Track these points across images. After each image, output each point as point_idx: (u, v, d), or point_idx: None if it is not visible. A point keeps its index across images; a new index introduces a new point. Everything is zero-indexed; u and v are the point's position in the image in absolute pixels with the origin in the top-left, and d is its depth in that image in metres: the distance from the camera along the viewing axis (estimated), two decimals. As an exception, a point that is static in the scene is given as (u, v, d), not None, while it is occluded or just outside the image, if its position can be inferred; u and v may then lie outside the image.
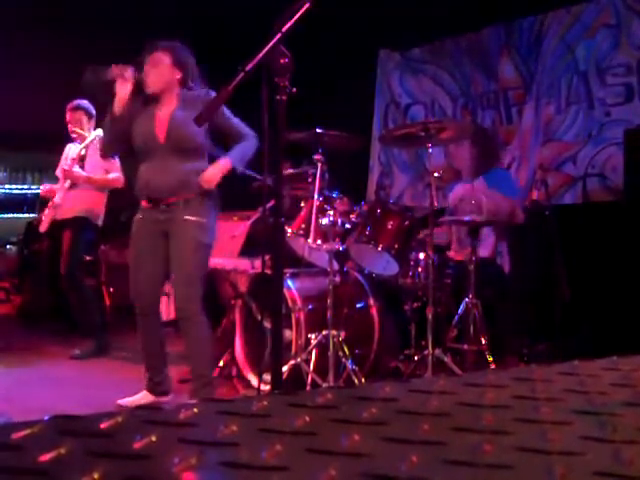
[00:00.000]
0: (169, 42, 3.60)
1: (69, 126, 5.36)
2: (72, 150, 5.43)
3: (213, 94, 3.46)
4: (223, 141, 3.62)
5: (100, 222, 5.41)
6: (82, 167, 5.23)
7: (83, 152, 5.17)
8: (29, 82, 7.00)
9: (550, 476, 0.63)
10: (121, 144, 3.68)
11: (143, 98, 3.60)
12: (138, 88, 3.56)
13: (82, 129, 5.31)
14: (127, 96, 3.53)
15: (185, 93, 3.58)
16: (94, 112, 5.35)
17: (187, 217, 3.48)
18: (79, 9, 6.49)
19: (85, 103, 5.34)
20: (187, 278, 3.50)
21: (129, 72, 3.52)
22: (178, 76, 3.56)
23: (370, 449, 0.70)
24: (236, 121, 3.60)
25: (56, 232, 5.38)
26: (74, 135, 5.37)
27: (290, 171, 4.17)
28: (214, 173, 3.48)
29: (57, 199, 5.28)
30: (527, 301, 4.48)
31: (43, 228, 5.42)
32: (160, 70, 3.54)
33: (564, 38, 5.52)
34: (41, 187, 5.61)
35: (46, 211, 5.40)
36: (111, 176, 5.24)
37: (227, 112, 3.55)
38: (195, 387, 3.55)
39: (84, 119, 5.34)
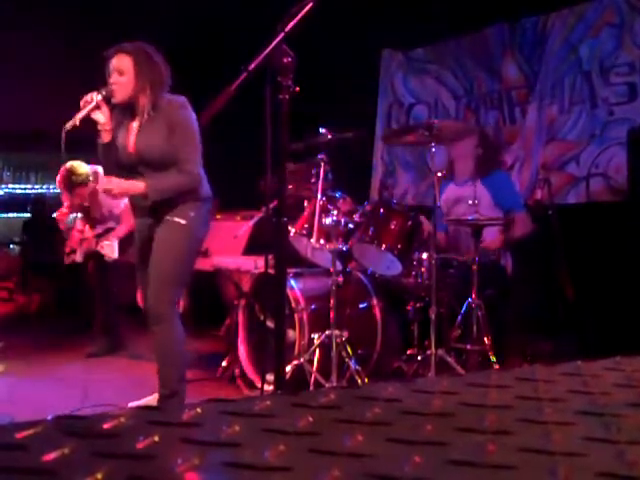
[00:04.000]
0: (131, 44, 3.38)
1: (75, 199, 5.26)
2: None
3: (179, 99, 3.36)
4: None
5: (122, 235, 5.42)
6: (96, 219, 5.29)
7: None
8: (31, 82, 7.02)
9: (553, 477, 0.63)
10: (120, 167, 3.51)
11: (119, 109, 3.44)
12: (111, 104, 3.39)
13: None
14: (108, 120, 3.37)
15: (158, 98, 3.37)
16: None
17: (167, 217, 3.39)
18: (79, 9, 6.50)
19: (84, 167, 5.19)
20: (158, 278, 3.39)
21: (92, 97, 3.32)
22: (145, 80, 3.34)
23: (373, 449, 0.70)
24: (187, 149, 3.33)
25: None
26: None
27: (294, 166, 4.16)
28: (120, 185, 3.31)
29: (78, 258, 5.32)
30: (530, 301, 4.47)
31: (67, 262, 5.43)
32: (123, 77, 3.34)
33: (567, 38, 5.52)
34: (56, 213, 5.54)
35: (75, 238, 5.40)
36: (116, 254, 5.17)
37: (188, 134, 3.34)
38: (160, 394, 3.42)
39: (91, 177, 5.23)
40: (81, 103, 3.33)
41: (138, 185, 3.30)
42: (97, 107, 3.31)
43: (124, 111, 3.44)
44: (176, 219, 3.39)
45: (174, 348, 3.43)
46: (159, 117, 3.33)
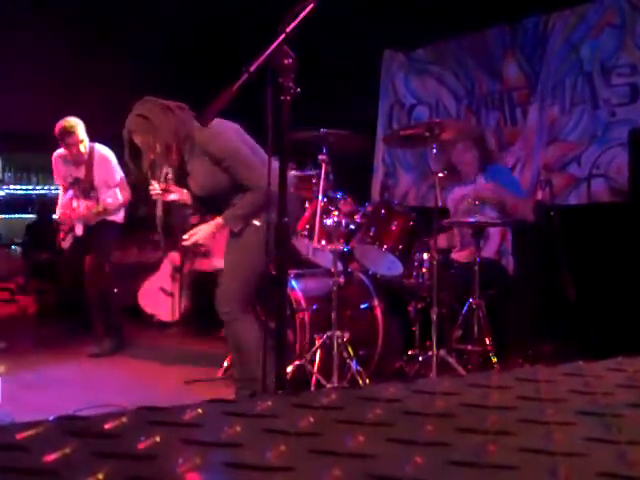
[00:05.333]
0: (130, 118, 3.42)
1: (72, 149, 5.20)
2: (68, 163, 5.38)
3: (209, 130, 3.23)
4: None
5: (122, 219, 5.41)
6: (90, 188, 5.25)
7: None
8: (33, 82, 7.02)
9: (554, 477, 0.63)
10: None
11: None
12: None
13: (85, 147, 5.22)
14: (181, 193, 3.55)
15: (185, 140, 3.42)
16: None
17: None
18: (79, 9, 6.50)
19: (75, 119, 5.19)
20: (228, 278, 3.46)
21: (155, 189, 3.52)
22: (164, 139, 3.37)
23: (374, 450, 0.69)
24: (242, 172, 3.35)
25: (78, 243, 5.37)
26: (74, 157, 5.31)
27: (295, 173, 4.16)
28: (202, 234, 3.46)
29: (78, 230, 5.29)
30: (531, 302, 4.47)
31: (66, 245, 5.42)
32: (153, 150, 3.41)
33: (569, 38, 5.51)
34: (57, 213, 5.48)
35: (64, 229, 5.41)
36: (121, 199, 5.20)
37: (234, 158, 3.37)
38: (239, 395, 3.48)
39: (84, 133, 5.23)
40: (152, 195, 3.55)
41: (217, 222, 3.44)
42: (165, 191, 3.53)
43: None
44: (251, 220, 3.43)
45: (249, 346, 3.43)
46: (198, 153, 3.39)
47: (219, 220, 3.43)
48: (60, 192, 5.56)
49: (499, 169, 4.54)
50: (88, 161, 5.25)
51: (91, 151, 5.25)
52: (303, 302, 3.95)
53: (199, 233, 3.47)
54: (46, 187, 9.46)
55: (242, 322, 3.44)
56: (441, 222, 4.00)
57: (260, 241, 3.37)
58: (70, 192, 5.38)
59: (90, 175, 5.25)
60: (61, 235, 5.46)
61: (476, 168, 4.46)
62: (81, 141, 5.19)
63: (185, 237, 3.49)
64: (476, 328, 3.83)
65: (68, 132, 5.13)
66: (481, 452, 0.69)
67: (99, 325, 5.40)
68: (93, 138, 5.32)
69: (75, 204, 5.31)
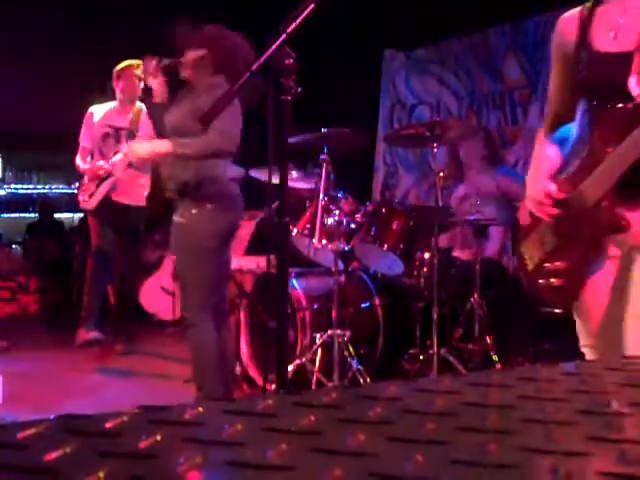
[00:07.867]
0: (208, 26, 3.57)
1: (129, 85, 5.04)
2: (108, 112, 5.14)
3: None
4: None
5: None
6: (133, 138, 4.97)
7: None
8: (34, 82, 7.02)
9: (555, 476, 0.63)
10: None
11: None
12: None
13: (139, 90, 5.02)
14: (160, 88, 3.44)
15: (200, 78, 3.41)
16: None
17: (174, 217, 3.36)
18: (79, 8, 6.50)
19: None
20: (181, 283, 3.40)
21: (153, 63, 3.45)
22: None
23: (375, 448, 0.69)
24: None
25: (111, 213, 5.14)
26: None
27: (298, 186, 4.18)
28: (144, 148, 3.31)
29: (118, 173, 4.93)
30: (532, 301, 4.47)
31: (91, 205, 5.12)
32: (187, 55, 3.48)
33: (570, 38, 5.51)
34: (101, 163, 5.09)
35: (95, 186, 5.07)
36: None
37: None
38: (197, 398, 3.42)
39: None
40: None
41: (163, 143, 3.26)
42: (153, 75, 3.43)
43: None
44: (177, 219, 3.34)
45: (204, 352, 3.35)
46: (196, 96, 3.29)
47: (166, 143, 3.23)
48: (78, 159, 5.18)
49: (506, 170, 4.56)
50: (136, 112, 5.06)
51: (141, 107, 5.03)
52: (304, 301, 3.95)
53: (140, 147, 3.32)
54: (47, 186, 9.47)
55: (200, 328, 3.31)
56: (443, 221, 4.00)
57: (190, 242, 3.28)
58: (88, 159, 5.07)
59: (135, 126, 5.03)
60: (82, 195, 5.12)
61: (480, 164, 4.45)
62: (141, 80, 4.94)
63: (125, 150, 3.34)
64: (477, 327, 3.83)
65: (132, 66, 4.98)
66: (482, 451, 0.69)
67: (122, 321, 5.39)
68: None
69: (107, 165, 4.99)
